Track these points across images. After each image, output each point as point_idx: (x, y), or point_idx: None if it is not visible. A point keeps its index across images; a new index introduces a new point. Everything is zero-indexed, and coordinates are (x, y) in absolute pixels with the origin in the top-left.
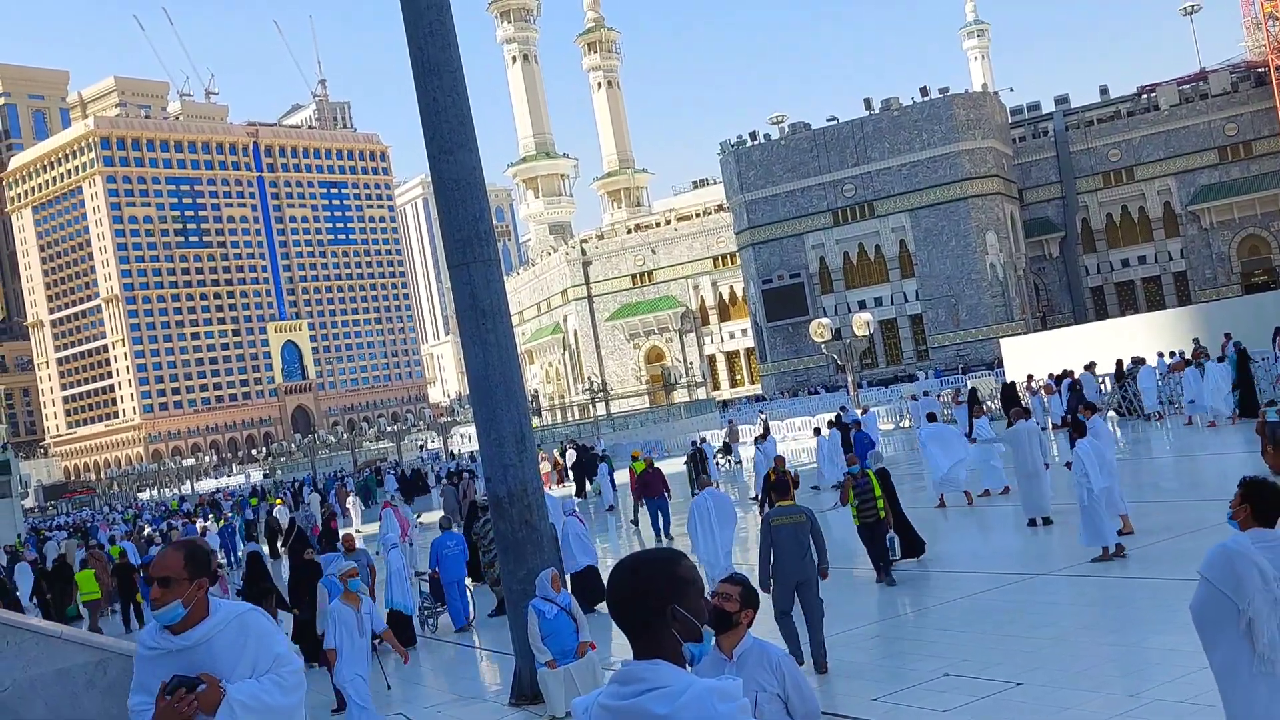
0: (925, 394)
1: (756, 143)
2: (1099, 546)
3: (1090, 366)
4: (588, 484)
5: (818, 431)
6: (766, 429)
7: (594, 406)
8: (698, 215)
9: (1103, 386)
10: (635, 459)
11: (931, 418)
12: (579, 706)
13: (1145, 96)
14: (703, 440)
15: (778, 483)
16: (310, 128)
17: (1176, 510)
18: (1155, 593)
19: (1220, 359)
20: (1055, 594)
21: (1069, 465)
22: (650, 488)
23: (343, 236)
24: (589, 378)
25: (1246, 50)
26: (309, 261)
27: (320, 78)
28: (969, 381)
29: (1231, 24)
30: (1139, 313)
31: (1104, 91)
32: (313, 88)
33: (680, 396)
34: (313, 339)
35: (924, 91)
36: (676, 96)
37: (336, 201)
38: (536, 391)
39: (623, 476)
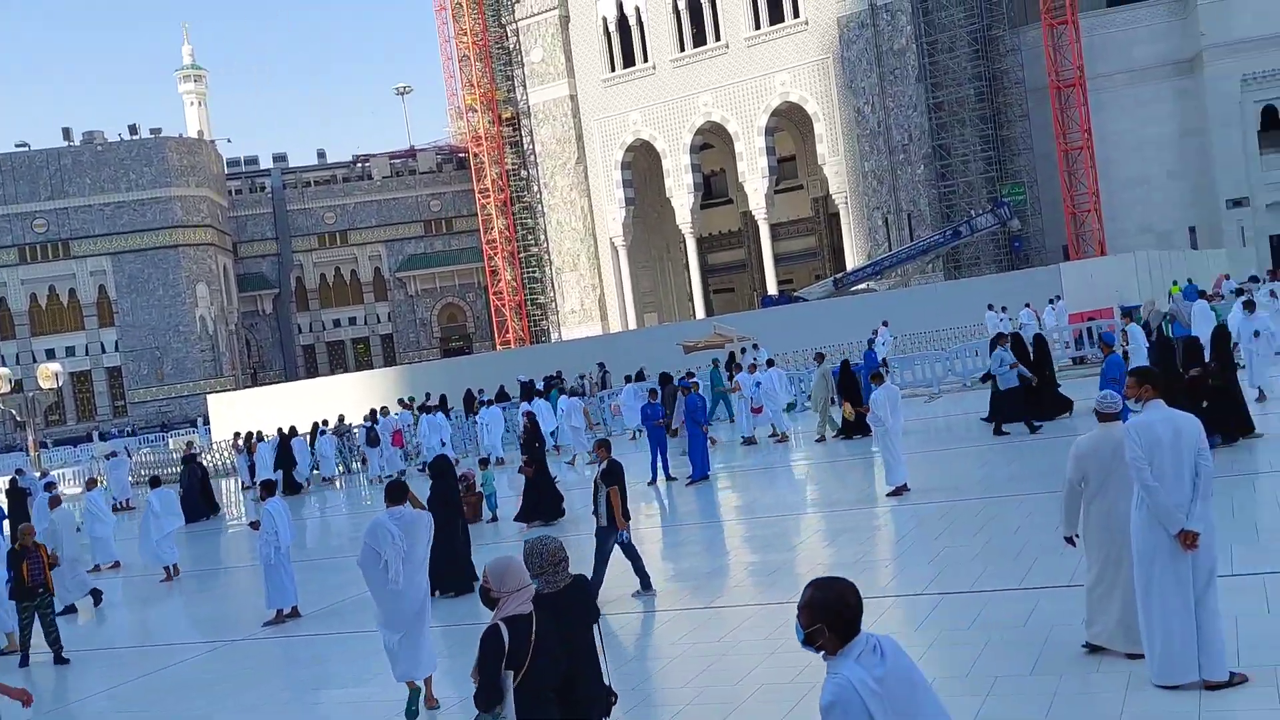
0: (114, 454)
1: None
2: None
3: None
4: None
5: None
6: None
7: None
8: None
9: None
10: None
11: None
12: None
13: (361, 165)
14: None
15: None
16: None
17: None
18: (346, 647)
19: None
20: (247, 659)
21: (254, 525)
22: None
23: None
24: None
25: (450, 135)
26: None
27: None
28: (171, 439)
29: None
30: (349, 371)
31: (321, 155)
32: None
33: None
34: None
35: (134, 130)
36: None
37: None
38: None
39: None
